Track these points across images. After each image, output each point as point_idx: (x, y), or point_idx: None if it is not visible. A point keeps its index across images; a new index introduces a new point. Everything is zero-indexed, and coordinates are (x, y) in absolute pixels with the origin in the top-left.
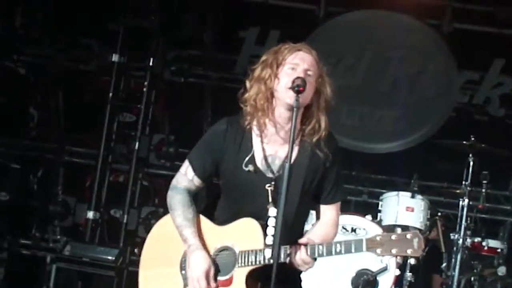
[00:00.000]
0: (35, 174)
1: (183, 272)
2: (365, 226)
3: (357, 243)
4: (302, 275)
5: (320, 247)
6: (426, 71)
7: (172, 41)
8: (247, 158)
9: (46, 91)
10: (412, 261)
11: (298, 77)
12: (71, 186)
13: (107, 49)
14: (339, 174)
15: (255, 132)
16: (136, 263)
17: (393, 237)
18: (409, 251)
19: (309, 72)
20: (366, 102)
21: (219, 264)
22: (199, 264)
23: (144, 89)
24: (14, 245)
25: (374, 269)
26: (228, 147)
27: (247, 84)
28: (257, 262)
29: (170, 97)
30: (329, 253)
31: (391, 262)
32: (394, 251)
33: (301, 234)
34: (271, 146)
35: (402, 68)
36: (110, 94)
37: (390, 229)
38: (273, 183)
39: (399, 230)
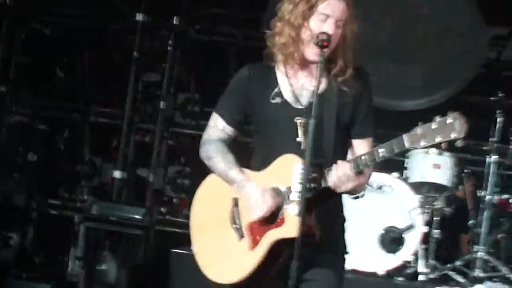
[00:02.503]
0: (62, 134)
1: (235, 225)
2: (391, 183)
3: (398, 141)
4: None
5: (363, 157)
6: (453, 27)
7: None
8: (274, 92)
9: (72, 51)
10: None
11: (322, 32)
12: (97, 146)
13: (132, 8)
14: (370, 107)
15: (279, 69)
16: (163, 222)
17: (433, 125)
18: (453, 135)
19: (338, 23)
20: (392, 60)
21: None
22: (253, 191)
23: (169, 48)
24: (43, 205)
25: (401, 226)
26: (254, 88)
27: (278, 26)
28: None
29: (195, 55)
30: (373, 159)
31: (418, 219)
32: (438, 139)
33: None
34: (298, 79)
35: (428, 25)
36: (135, 54)
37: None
38: (304, 116)
39: (437, 118)
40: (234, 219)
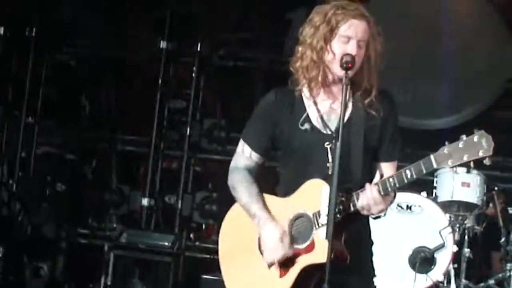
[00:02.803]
0: (90, 164)
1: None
2: (421, 203)
3: (426, 161)
4: None
5: (390, 179)
6: (478, 44)
7: (219, 25)
8: (302, 118)
9: (96, 81)
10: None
11: (347, 54)
12: (125, 174)
13: (155, 36)
14: (396, 129)
15: (305, 94)
16: (192, 249)
17: (460, 144)
18: (480, 153)
19: (360, 43)
20: (418, 78)
21: (298, 233)
22: (271, 234)
23: (193, 75)
24: (72, 235)
25: (432, 246)
26: (281, 113)
27: (300, 50)
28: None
29: (220, 81)
30: (401, 181)
31: (449, 239)
32: (465, 158)
33: None
34: (325, 104)
35: (453, 42)
36: (160, 81)
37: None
38: (333, 141)
39: (464, 137)
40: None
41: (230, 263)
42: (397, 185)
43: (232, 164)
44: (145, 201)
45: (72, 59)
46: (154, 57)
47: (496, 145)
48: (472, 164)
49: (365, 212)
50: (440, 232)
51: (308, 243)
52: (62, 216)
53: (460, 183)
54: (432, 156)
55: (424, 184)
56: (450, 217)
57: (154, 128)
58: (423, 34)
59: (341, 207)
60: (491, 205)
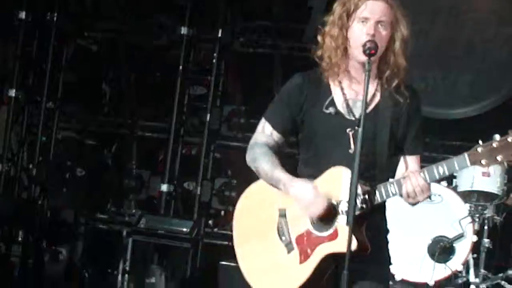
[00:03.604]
0: (110, 149)
1: (283, 237)
2: (441, 192)
3: (460, 159)
4: None
5: (422, 174)
6: (501, 34)
7: (240, 12)
8: (327, 101)
9: (117, 67)
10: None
11: (369, 40)
12: (144, 160)
13: (176, 22)
14: (421, 125)
15: (332, 79)
16: (211, 235)
17: (494, 144)
18: None
19: (380, 24)
20: (439, 67)
21: (319, 220)
22: (303, 190)
23: (214, 61)
24: (91, 219)
25: (451, 235)
26: (307, 96)
27: (320, 39)
28: (358, 208)
29: (240, 68)
30: (433, 176)
31: (468, 229)
32: (499, 158)
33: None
34: (351, 90)
35: (476, 32)
36: (180, 67)
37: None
38: (356, 127)
39: (497, 136)
40: (282, 231)
41: (245, 247)
42: (428, 179)
43: (252, 141)
44: (164, 187)
45: (93, 44)
46: (175, 43)
47: None
48: (506, 165)
49: (410, 201)
50: (459, 222)
51: (331, 231)
52: (82, 201)
53: (480, 173)
54: (466, 154)
55: None
56: (470, 207)
57: (174, 114)
58: (445, 23)
59: (366, 197)
60: (511, 195)
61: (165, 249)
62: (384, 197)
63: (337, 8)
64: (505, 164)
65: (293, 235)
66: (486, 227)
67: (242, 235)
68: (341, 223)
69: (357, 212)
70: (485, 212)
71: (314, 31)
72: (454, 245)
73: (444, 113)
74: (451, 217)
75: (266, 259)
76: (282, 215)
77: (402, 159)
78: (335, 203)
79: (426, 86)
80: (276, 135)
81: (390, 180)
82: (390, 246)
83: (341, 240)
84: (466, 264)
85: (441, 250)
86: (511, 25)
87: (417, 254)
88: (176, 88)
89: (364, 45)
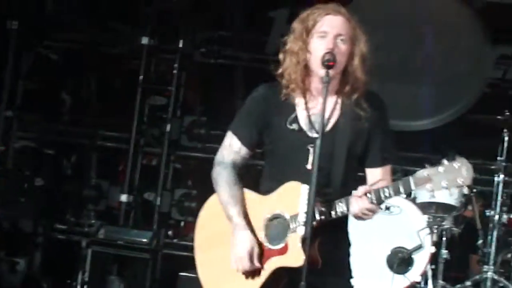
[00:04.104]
0: (69, 159)
1: None
2: (399, 204)
3: (405, 182)
4: None
5: (368, 194)
6: (459, 46)
7: (201, 23)
8: (291, 117)
9: (77, 76)
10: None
11: (327, 52)
12: (104, 170)
13: (137, 32)
14: (387, 135)
15: (296, 94)
16: (170, 246)
17: (440, 169)
18: (459, 181)
19: (339, 38)
20: (398, 80)
21: (273, 233)
22: (242, 244)
23: (175, 71)
24: (50, 230)
25: (409, 247)
26: (271, 109)
27: (281, 57)
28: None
29: (201, 78)
30: (379, 199)
31: (427, 240)
32: (444, 183)
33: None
34: (313, 108)
35: (434, 44)
36: (141, 77)
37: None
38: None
39: (445, 161)
40: None
41: (204, 255)
42: (374, 201)
43: (219, 157)
44: (124, 197)
45: (54, 53)
46: (135, 53)
47: (475, 148)
48: (450, 190)
49: (357, 219)
50: (418, 233)
51: (282, 245)
52: (40, 211)
53: None
54: (411, 178)
55: None
56: (428, 218)
57: (134, 124)
58: (404, 36)
59: (321, 211)
60: (469, 207)
61: (125, 260)
62: (339, 214)
63: (296, 25)
64: (449, 189)
65: None
66: (444, 238)
67: (202, 244)
68: (292, 237)
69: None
70: (443, 223)
71: (276, 42)
72: (412, 256)
73: (404, 125)
74: (410, 228)
75: (223, 268)
76: None
77: (369, 172)
78: (287, 217)
79: (385, 99)
80: (244, 150)
81: (343, 198)
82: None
83: (290, 254)
84: (424, 275)
85: (400, 261)
86: (468, 38)
87: (376, 266)
88: (136, 98)
89: (322, 57)
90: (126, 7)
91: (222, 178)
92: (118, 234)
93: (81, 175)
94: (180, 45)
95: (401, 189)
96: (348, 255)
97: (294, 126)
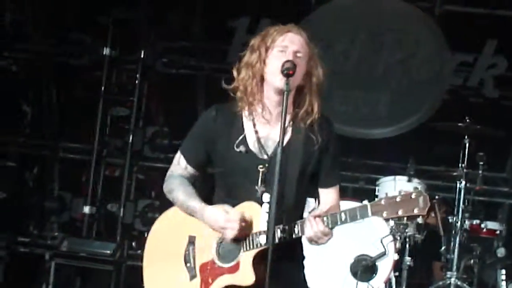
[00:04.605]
0: (31, 171)
1: (188, 264)
2: None
3: (362, 209)
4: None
5: (325, 218)
6: (419, 54)
7: (162, 33)
8: (238, 139)
9: (38, 87)
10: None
11: (287, 61)
12: (66, 182)
13: (98, 43)
14: (336, 156)
15: (245, 116)
16: (134, 257)
17: (398, 199)
18: (415, 211)
19: (298, 54)
20: (359, 88)
21: (224, 252)
22: (215, 213)
23: (136, 82)
24: (12, 243)
25: (373, 254)
26: (219, 131)
27: (235, 71)
28: (262, 245)
29: (163, 89)
30: (334, 223)
31: (390, 247)
32: (400, 212)
33: (302, 217)
34: (263, 128)
35: (394, 52)
36: (103, 88)
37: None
38: (266, 165)
39: (402, 191)
40: (188, 258)
41: (153, 269)
42: (330, 225)
43: (168, 172)
44: (86, 209)
45: (13, 65)
46: (97, 64)
47: (437, 155)
48: (405, 220)
49: (311, 242)
50: (381, 241)
51: (233, 263)
52: (2, 224)
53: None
54: (368, 205)
55: (366, 193)
56: (391, 226)
57: (97, 135)
58: (365, 44)
59: (280, 234)
60: (432, 214)
61: (88, 272)
62: (292, 236)
63: (255, 40)
64: (405, 219)
65: (198, 263)
66: (407, 246)
67: (151, 257)
68: (244, 257)
69: (258, 250)
70: (406, 230)
71: (237, 52)
72: (376, 263)
73: (365, 133)
74: (373, 236)
75: (170, 283)
76: (191, 242)
77: (320, 192)
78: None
79: (347, 107)
80: (190, 169)
81: (298, 221)
82: (312, 265)
83: (241, 273)
84: (388, 283)
85: (364, 268)
86: (428, 46)
87: (340, 273)
88: (98, 109)
89: (282, 65)
90: (87, 17)
91: (174, 184)
92: (81, 246)
93: (44, 187)
94: (142, 55)
95: (358, 216)
96: (303, 267)
97: (242, 149)
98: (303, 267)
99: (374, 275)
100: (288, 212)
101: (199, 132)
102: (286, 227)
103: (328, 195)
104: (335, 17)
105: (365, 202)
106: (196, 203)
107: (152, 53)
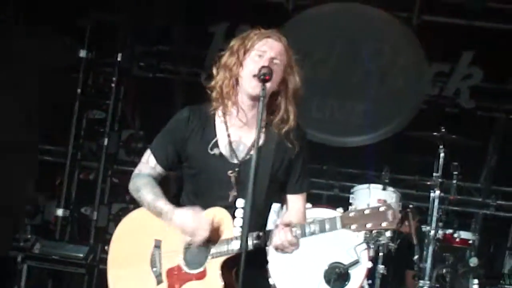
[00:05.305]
0: None
1: (154, 269)
2: None
3: (331, 221)
4: (276, 268)
5: (293, 228)
6: (396, 63)
7: (140, 36)
8: (212, 142)
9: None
10: (384, 249)
11: (264, 66)
12: (40, 184)
13: (75, 45)
14: (306, 164)
15: (219, 118)
16: (107, 260)
17: (367, 211)
18: (384, 224)
19: (275, 61)
20: (336, 96)
21: (191, 257)
22: (185, 216)
23: (113, 85)
24: None
25: (346, 262)
26: (192, 133)
27: (214, 71)
28: (230, 252)
29: (140, 92)
30: (303, 234)
31: (363, 255)
32: (369, 225)
33: (266, 223)
34: (236, 132)
35: (372, 61)
36: (79, 91)
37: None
38: (236, 169)
39: (371, 204)
40: (155, 262)
41: (117, 272)
42: (299, 235)
43: (135, 171)
44: (60, 212)
45: None
46: (74, 66)
47: (412, 164)
48: (374, 233)
49: (277, 251)
50: (355, 249)
51: (200, 270)
52: None
53: (375, 200)
54: (338, 217)
55: (340, 200)
56: (365, 234)
57: (72, 138)
58: (343, 52)
59: (255, 240)
60: (406, 223)
61: (60, 275)
62: (266, 243)
63: (235, 42)
64: (373, 232)
65: (165, 267)
66: (381, 254)
67: (116, 260)
68: (211, 263)
69: (226, 256)
70: (380, 239)
71: (215, 56)
72: (349, 271)
73: (340, 141)
74: (347, 243)
75: (135, 287)
76: (158, 246)
77: (288, 198)
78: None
79: (323, 114)
80: (159, 168)
81: (267, 229)
82: (286, 272)
83: (208, 280)
84: None
85: (337, 276)
86: (405, 56)
87: (313, 280)
88: (74, 111)
89: (259, 70)
90: (63, 19)
91: (142, 183)
92: (54, 249)
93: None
94: (119, 58)
95: (327, 227)
96: (267, 272)
97: (215, 151)
98: (268, 274)
99: (347, 282)
100: (256, 218)
101: (171, 132)
102: (260, 234)
103: (296, 202)
104: (313, 25)
105: (339, 209)
106: (163, 205)
107: (129, 56)
